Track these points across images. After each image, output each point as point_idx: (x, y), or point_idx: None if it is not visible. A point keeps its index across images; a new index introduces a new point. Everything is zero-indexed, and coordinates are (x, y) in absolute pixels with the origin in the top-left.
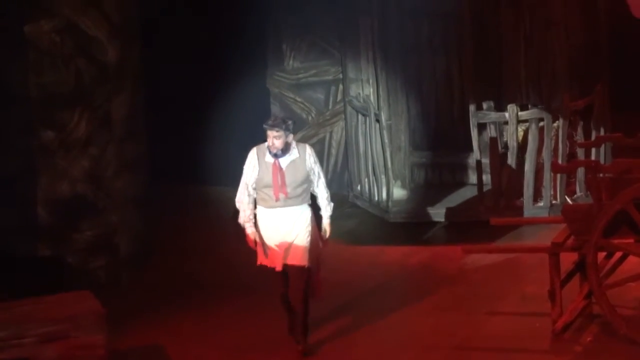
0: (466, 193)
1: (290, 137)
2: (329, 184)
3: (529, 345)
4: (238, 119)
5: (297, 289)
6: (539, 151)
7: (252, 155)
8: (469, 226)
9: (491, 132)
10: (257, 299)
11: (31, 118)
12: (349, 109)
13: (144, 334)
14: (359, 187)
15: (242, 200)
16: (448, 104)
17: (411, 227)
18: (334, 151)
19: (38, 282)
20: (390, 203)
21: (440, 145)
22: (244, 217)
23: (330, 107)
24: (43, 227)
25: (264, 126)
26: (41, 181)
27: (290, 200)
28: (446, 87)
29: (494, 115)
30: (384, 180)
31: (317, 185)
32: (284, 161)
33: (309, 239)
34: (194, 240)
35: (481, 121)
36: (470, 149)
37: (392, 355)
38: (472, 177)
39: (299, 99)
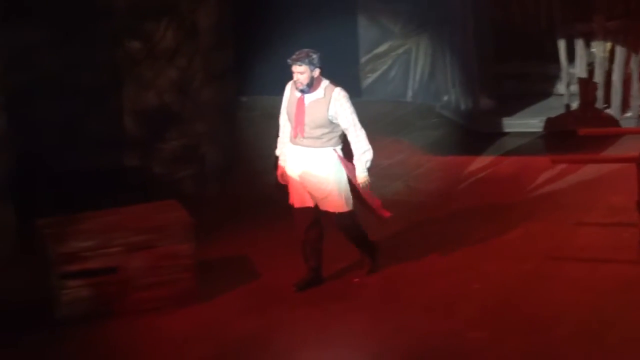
0: (553, 104)
1: (317, 71)
2: (416, 94)
3: (617, 256)
4: (324, 29)
5: (342, 233)
6: (627, 61)
7: (287, 87)
8: (556, 136)
9: (579, 42)
10: None
11: (117, 29)
12: (436, 18)
13: (229, 243)
14: (445, 97)
15: (281, 129)
16: (536, 13)
17: (498, 137)
18: (420, 61)
19: (125, 192)
20: (477, 113)
21: (527, 55)
22: (279, 148)
23: (417, 17)
24: (130, 137)
25: (288, 61)
26: (128, 92)
27: (307, 140)
28: None
29: (581, 26)
30: (470, 90)
31: (349, 134)
32: (309, 98)
33: (338, 185)
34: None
35: (569, 31)
36: (558, 59)
37: (481, 265)
38: (560, 88)
39: (386, 9)
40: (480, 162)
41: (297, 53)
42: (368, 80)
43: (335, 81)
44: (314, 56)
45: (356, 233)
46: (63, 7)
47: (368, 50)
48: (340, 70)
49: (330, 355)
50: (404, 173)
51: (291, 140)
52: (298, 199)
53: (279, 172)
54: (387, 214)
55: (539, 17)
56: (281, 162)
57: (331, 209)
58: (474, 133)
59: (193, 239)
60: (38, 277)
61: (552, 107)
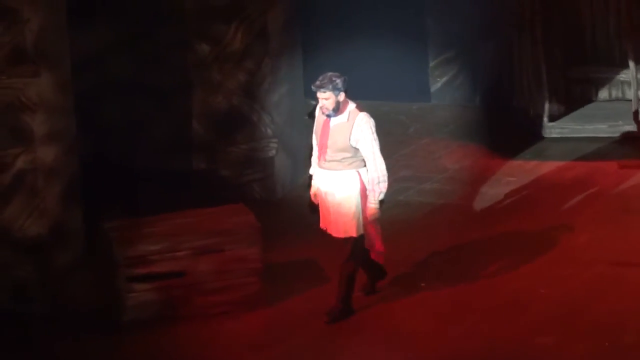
0: (622, 108)
1: (342, 95)
2: (484, 98)
3: None
4: (393, 34)
5: (342, 260)
6: None
7: (317, 108)
8: (625, 141)
9: None
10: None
11: (187, 32)
12: (504, 22)
13: (296, 248)
14: (514, 102)
15: (314, 149)
16: (604, 18)
17: (566, 142)
18: (489, 66)
19: (193, 195)
20: (545, 118)
21: (596, 60)
22: (312, 167)
23: (486, 21)
24: (198, 140)
25: (312, 88)
26: (196, 95)
27: (329, 163)
28: (602, 1)
29: None
30: (539, 95)
31: (367, 162)
32: (334, 121)
33: (353, 209)
34: None
35: (637, 36)
36: (626, 64)
37: (548, 270)
38: (628, 93)
39: (455, 13)
40: (548, 167)
41: (320, 79)
42: (437, 84)
43: (405, 85)
44: (337, 81)
45: (354, 264)
46: (133, 9)
47: (437, 55)
48: (409, 75)
49: (399, 357)
50: (472, 178)
51: (317, 164)
52: (326, 223)
53: (312, 193)
54: (381, 261)
55: (608, 22)
56: (314, 183)
57: (341, 234)
58: (543, 138)
59: (260, 243)
60: (104, 280)
61: (620, 112)
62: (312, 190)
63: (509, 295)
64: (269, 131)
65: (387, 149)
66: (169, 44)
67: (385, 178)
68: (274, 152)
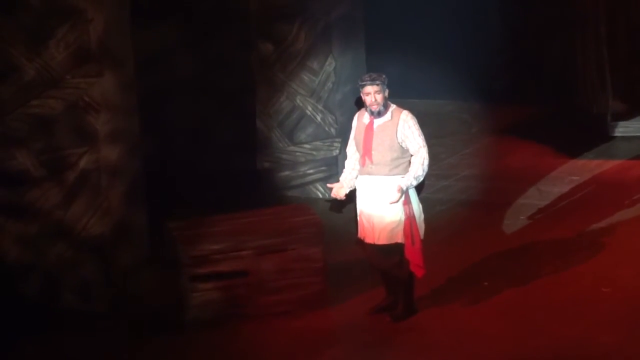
0: None
1: (387, 92)
2: (547, 97)
3: None
4: (454, 31)
5: (390, 268)
6: None
7: (356, 115)
8: None
9: None
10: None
11: (250, 31)
12: (568, 21)
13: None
14: (577, 101)
15: (348, 159)
16: None
17: (630, 141)
18: (552, 64)
19: (256, 194)
20: (609, 117)
21: None
22: (342, 174)
23: (549, 19)
24: (261, 140)
25: (361, 84)
26: (260, 94)
27: (376, 167)
28: None
29: None
30: (603, 93)
31: (416, 156)
32: (377, 122)
33: (399, 215)
34: None
35: None
36: None
37: (611, 269)
38: None
39: (517, 11)
40: (611, 165)
41: (368, 75)
42: (501, 83)
43: (469, 84)
44: (384, 77)
45: (405, 268)
46: (197, 9)
47: (501, 54)
48: (473, 74)
49: (468, 354)
50: (535, 176)
51: (360, 171)
52: (366, 232)
53: (335, 190)
54: (420, 273)
55: None
56: (340, 183)
57: (386, 241)
58: (606, 137)
59: (323, 243)
60: (167, 280)
61: None
62: (337, 189)
63: (572, 294)
64: (333, 131)
65: (451, 148)
66: (233, 43)
67: (424, 175)
68: (337, 151)
